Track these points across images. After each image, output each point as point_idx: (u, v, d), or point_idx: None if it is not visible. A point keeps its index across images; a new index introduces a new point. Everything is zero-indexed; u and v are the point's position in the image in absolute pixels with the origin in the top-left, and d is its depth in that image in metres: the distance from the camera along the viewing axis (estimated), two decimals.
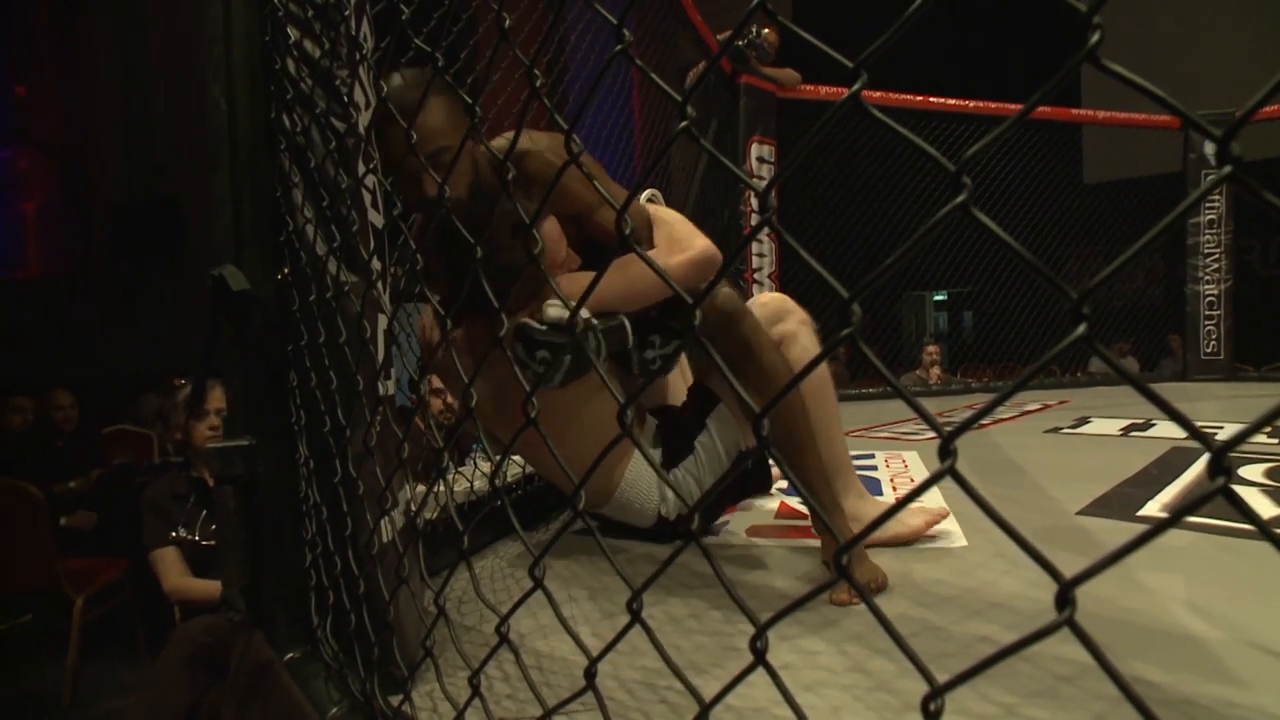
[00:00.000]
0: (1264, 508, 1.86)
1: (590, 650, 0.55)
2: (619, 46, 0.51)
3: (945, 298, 7.68)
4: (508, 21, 0.61)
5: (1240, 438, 0.28)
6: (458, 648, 0.82)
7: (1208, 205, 5.21)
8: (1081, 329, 0.30)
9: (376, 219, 1.11)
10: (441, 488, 1.85)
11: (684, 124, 0.47)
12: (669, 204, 1.75)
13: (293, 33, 1.00)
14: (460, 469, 2.09)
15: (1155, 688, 0.97)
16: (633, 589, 0.49)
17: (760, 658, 0.42)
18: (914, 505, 1.65)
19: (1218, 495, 0.27)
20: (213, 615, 1.88)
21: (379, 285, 1.06)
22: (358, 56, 1.07)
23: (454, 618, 1.36)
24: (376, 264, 1.06)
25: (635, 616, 0.49)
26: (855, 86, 0.38)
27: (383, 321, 1.07)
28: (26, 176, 8.74)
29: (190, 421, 2.37)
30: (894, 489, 2.25)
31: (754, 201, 3.89)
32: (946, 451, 0.32)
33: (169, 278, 7.60)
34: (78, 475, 3.70)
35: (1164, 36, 7.79)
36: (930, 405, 4.11)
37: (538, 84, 0.58)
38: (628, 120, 3.94)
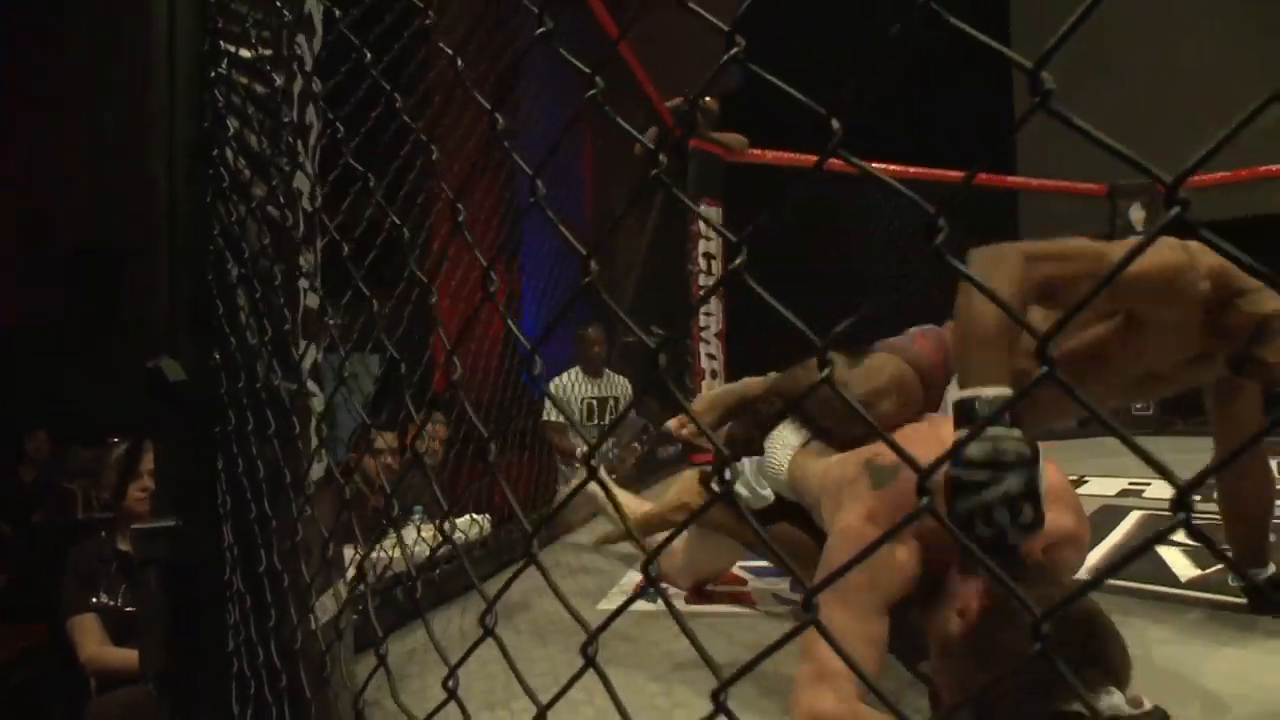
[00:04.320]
0: (1183, 568, 1.93)
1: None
2: (590, 91, 0.52)
3: None
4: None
5: (1204, 477, 0.31)
6: None
7: None
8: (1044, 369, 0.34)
9: (313, 300, 1.12)
10: (383, 554, 1.83)
11: (655, 172, 0.50)
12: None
13: (232, 123, 1.02)
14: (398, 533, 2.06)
15: None
16: (587, 631, 0.50)
17: (722, 706, 0.42)
18: None
19: (1180, 527, 0.31)
20: (131, 689, 1.80)
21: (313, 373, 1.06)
22: (300, 143, 1.09)
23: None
24: (312, 354, 1.07)
25: (589, 661, 0.49)
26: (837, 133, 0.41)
27: (317, 405, 1.07)
28: None
29: (124, 481, 2.30)
30: None
31: (701, 261, 3.98)
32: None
33: (111, 326, 7.38)
34: None
35: (1109, 107, 8.22)
36: None
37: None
38: (578, 172, 4.02)
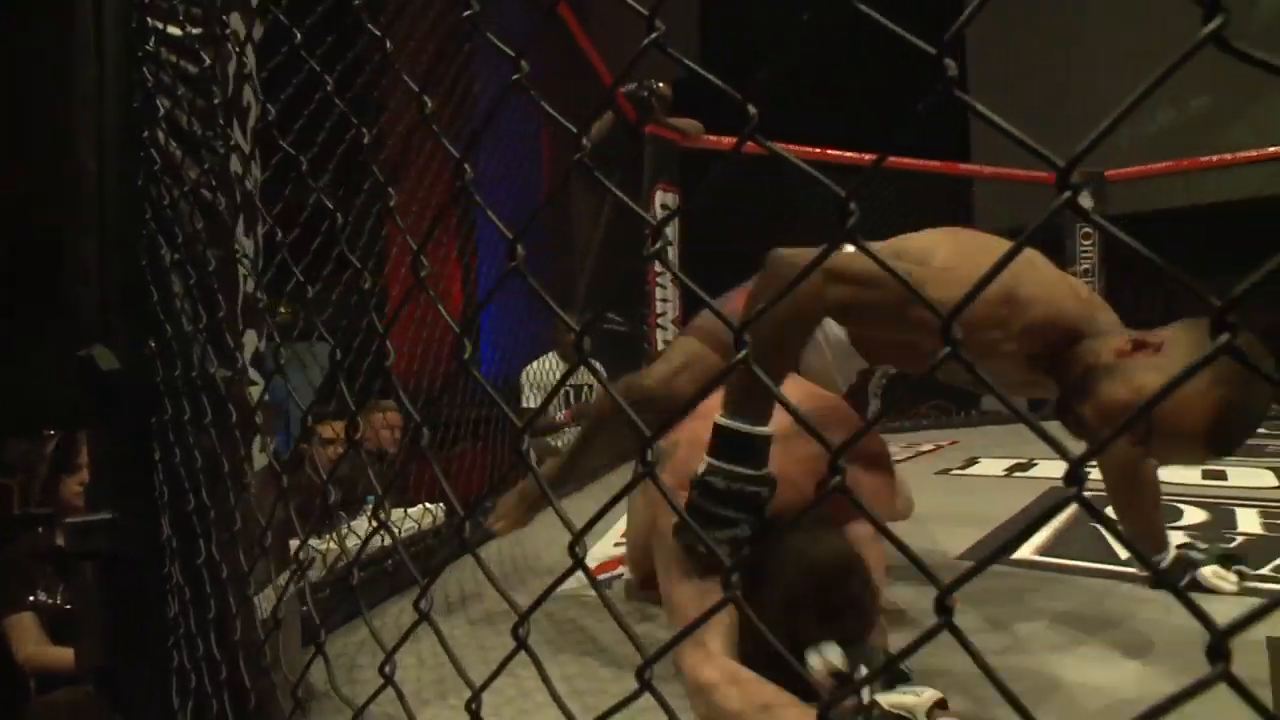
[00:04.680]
0: (1123, 548, 2.01)
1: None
2: (515, 76, 0.52)
3: None
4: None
5: (1092, 454, 0.33)
6: None
7: (1083, 255, 5.63)
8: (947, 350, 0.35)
9: (252, 286, 1.09)
10: (330, 546, 1.81)
11: (578, 156, 0.49)
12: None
13: (162, 103, 0.98)
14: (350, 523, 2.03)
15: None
16: (518, 612, 0.50)
17: (646, 684, 0.43)
18: None
19: (1072, 501, 0.32)
20: (72, 688, 1.76)
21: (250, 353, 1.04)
22: (236, 125, 1.07)
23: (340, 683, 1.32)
24: (251, 339, 1.04)
25: (521, 643, 0.49)
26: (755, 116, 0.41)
27: (255, 392, 1.05)
28: None
29: (60, 476, 2.23)
30: None
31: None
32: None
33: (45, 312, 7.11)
34: None
35: (1046, 93, 8.40)
36: None
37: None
38: (536, 158, 3.98)
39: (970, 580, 0.36)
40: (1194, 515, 2.35)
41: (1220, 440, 1.02)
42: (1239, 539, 2.02)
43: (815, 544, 1.13)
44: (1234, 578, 1.59)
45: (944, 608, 0.37)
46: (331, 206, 0.70)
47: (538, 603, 0.51)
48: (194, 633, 1.01)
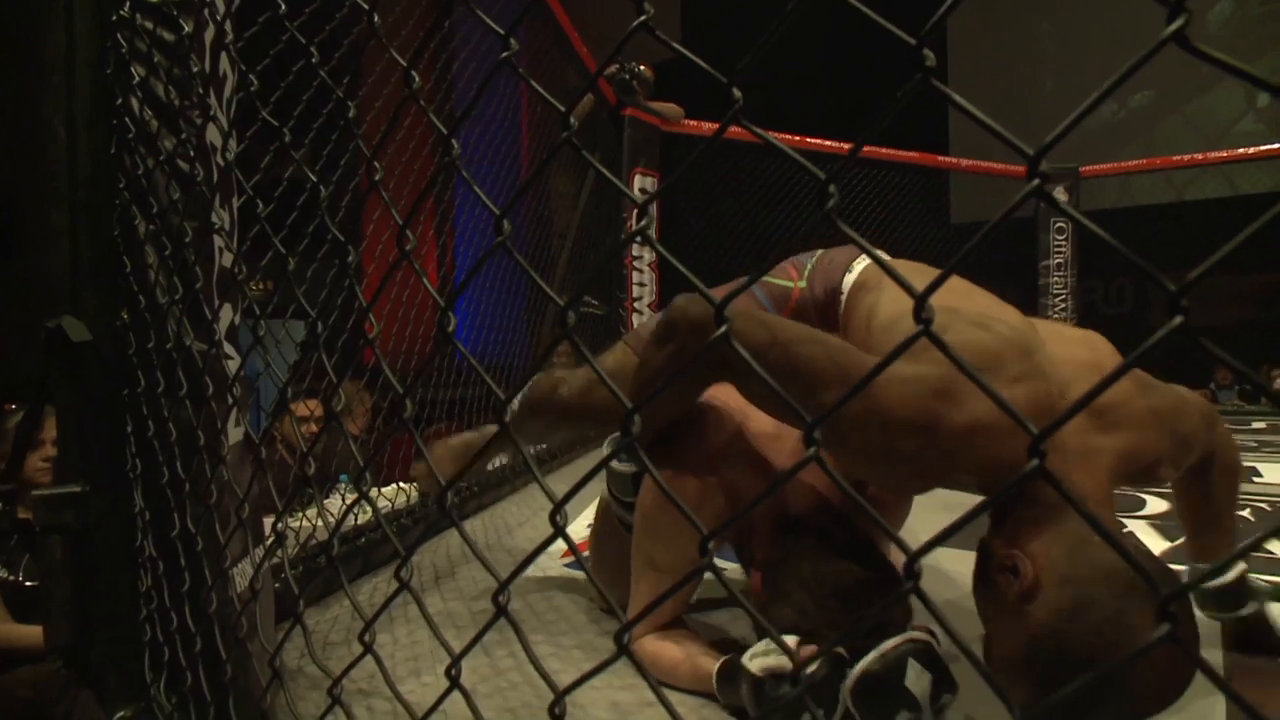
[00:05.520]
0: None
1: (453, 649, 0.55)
2: (505, 54, 0.52)
3: None
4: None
5: (1055, 425, 0.34)
6: (291, 708, 0.81)
7: (1055, 250, 5.72)
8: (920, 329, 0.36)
9: (228, 259, 1.08)
10: (303, 524, 1.80)
11: (566, 135, 0.50)
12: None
13: (137, 71, 0.97)
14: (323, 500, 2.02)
15: None
16: (499, 580, 0.51)
17: (624, 649, 0.44)
18: None
19: (1036, 476, 0.34)
20: (36, 666, 1.73)
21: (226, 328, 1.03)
22: (213, 95, 1.05)
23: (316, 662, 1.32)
24: (226, 313, 1.03)
25: (501, 609, 0.50)
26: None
27: (231, 366, 1.04)
28: None
29: (22, 451, 2.18)
30: None
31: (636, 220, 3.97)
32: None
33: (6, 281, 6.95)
34: None
35: (1021, 89, 8.51)
36: None
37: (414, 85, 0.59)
38: (515, 140, 3.95)
39: (938, 547, 0.37)
40: (1156, 505, 2.40)
41: (1039, 680, 0.84)
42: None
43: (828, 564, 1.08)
44: None
45: (911, 572, 0.38)
46: (314, 177, 0.69)
47: (519, 569, 0.52)
48: (168, 606, 1.01)
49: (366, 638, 0.64)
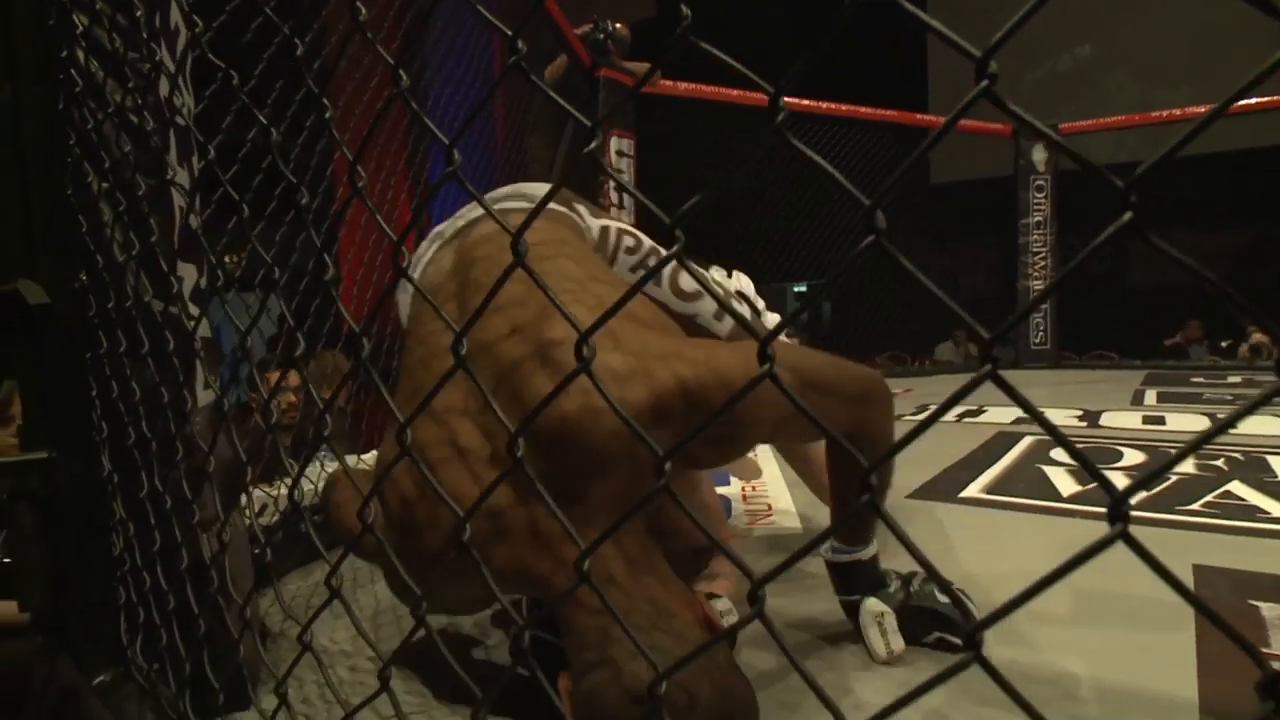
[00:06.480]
0: (1065, 485, 2.11)
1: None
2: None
3: (805, 289, 8.05)
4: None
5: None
6: (265, 662, 0.81)
7: (1035, 208, 5.72)
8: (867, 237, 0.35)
9: (195, 220, 1.06)
10: (281, 492, 1.79)
11: (514, 59, 0.48)
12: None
13: (80, 20, 0.93)
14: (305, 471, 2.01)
15: None
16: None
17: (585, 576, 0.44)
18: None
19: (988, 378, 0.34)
20: (7, 642, 1.72)
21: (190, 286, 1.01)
22: (165, 47, 1.02)
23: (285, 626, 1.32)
24: (188, 268, 1.01)
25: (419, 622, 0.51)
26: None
27: (204, 327, 1.03)
28: None
29: None
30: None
31: (613, 194, 3.94)
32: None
33: None
34: None
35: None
36: None
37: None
38: (489, 109, 3.88)
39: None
40: (1133, 457, 2.44)
41: None
42: (1174, 478, 2.11)
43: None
44: (900, 640, 1.12)
45: (868, 490, 0.38)
46: (264, 120, 0.68)
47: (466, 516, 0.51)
48: (140, 566, 1.00)
49: (334, 582, 0.64)
